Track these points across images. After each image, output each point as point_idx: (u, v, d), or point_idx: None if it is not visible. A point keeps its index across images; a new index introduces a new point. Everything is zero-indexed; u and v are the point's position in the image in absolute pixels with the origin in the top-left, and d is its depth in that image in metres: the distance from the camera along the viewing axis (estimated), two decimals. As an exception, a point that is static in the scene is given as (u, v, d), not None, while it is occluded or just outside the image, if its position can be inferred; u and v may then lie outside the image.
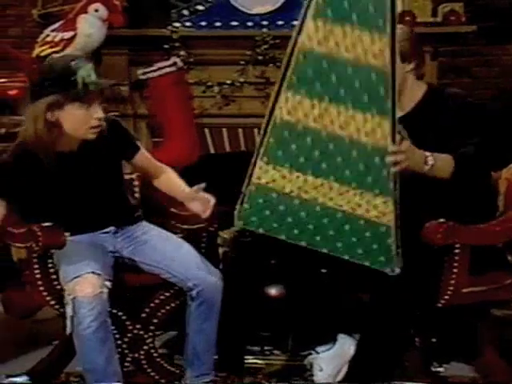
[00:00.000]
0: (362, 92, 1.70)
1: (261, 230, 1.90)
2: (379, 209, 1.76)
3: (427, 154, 1.86)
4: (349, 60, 1.69)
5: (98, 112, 1.90)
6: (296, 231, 1.85)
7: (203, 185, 2.06)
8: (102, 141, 1.98)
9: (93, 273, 1.88)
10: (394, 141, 1.73)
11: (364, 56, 1.67)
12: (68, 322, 1.87)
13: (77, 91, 1.85)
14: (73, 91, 1.85)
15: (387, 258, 1.82)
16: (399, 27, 2.00)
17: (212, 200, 2.07)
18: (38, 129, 1.87)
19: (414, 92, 2.03)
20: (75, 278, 1.87)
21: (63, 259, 1.96)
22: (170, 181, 2.20)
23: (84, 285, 1.85)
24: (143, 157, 2.16)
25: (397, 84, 1.72)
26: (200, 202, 2.07)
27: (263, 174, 1.84)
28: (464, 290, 1.98)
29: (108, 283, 1.91)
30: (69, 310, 1.86)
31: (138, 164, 2.17)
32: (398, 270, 1.82)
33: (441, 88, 2.11)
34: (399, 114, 2.02)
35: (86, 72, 1.86)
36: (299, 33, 1.74)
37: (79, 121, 1.89)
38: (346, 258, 1.84)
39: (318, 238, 1.84)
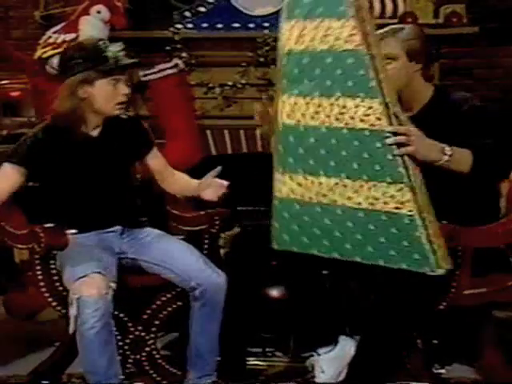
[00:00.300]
0: (346, 78, 1.71)
1: (295, 249, 1.85)
2: (396, 198, 1.69)
3: (443, 144, 1.81)
4: (325, 50, 1.73)
5: (124, 88, 2.01)
6: (326, 242, 1.79)
7: (219, 168, 2.11)
8: (121, 133, 2.08)
9: (99, 273, 1.89)
10: (390, 123, 1.70)
11: (337, 43, 1.71)
12: (71, 322, 1.87)
13: (108, 67, 1.96)
14: (104, 67, 1.96)
15: (422, 256, 1.69)
16: (408, 26, 2.02)
17: (225, 183, 2.12)
18: (74, 103, 1.97)
19: (421, 93, 2.02)
20: (81, 277, 1.87)
21: (68, 259, 1.97)
22: (183, 179, 2.24)
23: (90, 285, 1.85)
24: (157, 156, 2.20)
25: (379, 65, 1.69)
26: (213, 188, 2.12)
27: (282, 185, 1.83)
28: (466, 292, 1.98)
29: (113, 284, 1.92)
30: (73, 310, 1.86)
31: (152, 163, 2.19)
32: (441, 271, 1.68)
33: (448, 90, 2.09)
34: (408, 114, 2.03)
35: (115, 49, 1.99)
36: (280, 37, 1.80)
37: (108, 96, 1.99)
38: (382, 264, 1.74)
39: (348, 246, 1.77)
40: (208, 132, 3.19)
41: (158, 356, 2.19)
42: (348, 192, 1.74)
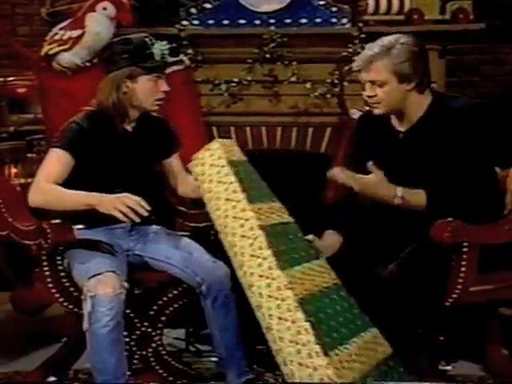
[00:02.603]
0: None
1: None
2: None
3: (395, 190, 1.93)
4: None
5: (164, 85, 2.06)
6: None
7: None
8: (153, 130, 2.14)
9: (113, 272, 1.90)
10: None
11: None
12: (85, 319, 1.87)
13: (153, 64, 2.01)
14: (149, 64, 2.01)
15: None
16: (401, 43, 1.95)
17: None
18: (116, 97, 2.03)
19: (417, 106, 2.00)
20: (96, 275, 1.88)
21: (81, 256, 1.97)
22: (194, 183, 2.20)
23: (106, 284, 1.86)
24: (178, 158, 2.23)
25: None
26: None
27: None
28: (472, 289, 1.98)
29: (126, 284, 1.92)
30: (86, 307, 1.86)
31: (173, 164, 2.22)
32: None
33: (446, 97, 2.06)
34: (405, 127, 2.03)
35: (162, 46, 2.03)
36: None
37: (149, 92, 2.04)
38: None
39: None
40: (214, 129, 3.18)
41: (164, 352, 2.19)
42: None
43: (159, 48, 2.02)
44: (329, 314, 1.74)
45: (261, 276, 1.75)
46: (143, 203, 1.89)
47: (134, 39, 2.06)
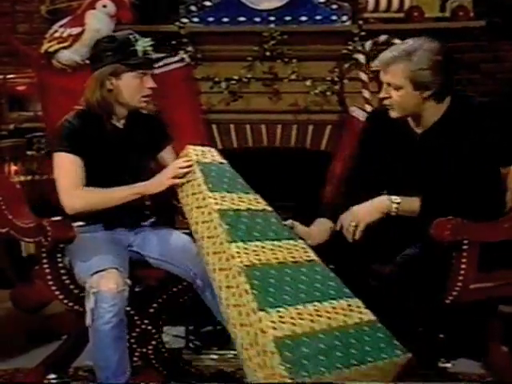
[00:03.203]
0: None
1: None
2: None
3: (388, 201, 1.94)
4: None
5: (149, 82, 2.06)
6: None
7: None
8: (143, 126, 2.14)
9: (116, 269, 1.89)
10: None
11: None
12: (88, 315, 1.87)
13: (136, 61, 2.01)
14: (133, 60, 2.01)
15: None
16: (423, 49, 1.91)
17: None
18: (101, 94, 2.03)
19: (434, 112, 1.98)
20: (99, 271, 1.88)
21: (82, 253, 1.97)
22: None
23: (109, 280, 1.86)
24: (172, 153, 2.21)
25: None
26: None
27: (277, 324, 1.68)
28: (472, 287, 1.98)
29: (128, 281, 1.92)
30: (89, 303, 1.86)
31: (165, 158, 2.20)
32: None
33: (466, 98, 2.03)
34: (421, 129, 2.02)
35: (145, 43, 2.03)
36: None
37: (134, 89, 2.04)
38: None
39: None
40: (214, 126, 3.18)
41: (164, 349, 2.19)
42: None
43: (142, 45, 2.02)
44: (283, 280, 1.76)
45: (214, 253, 1.81)
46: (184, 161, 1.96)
47: (118, 36, 2.07)
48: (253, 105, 3.12)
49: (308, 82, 3.04)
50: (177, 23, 3.04)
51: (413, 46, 1.94)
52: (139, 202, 2.11)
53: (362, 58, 2.96)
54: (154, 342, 2.17)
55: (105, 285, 1.85)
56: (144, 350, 2.17)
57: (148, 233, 2.13)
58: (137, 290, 2.06)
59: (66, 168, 2.01)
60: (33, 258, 2.09)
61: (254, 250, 1.79)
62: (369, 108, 2.96)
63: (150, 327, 2.16)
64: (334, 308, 1.76)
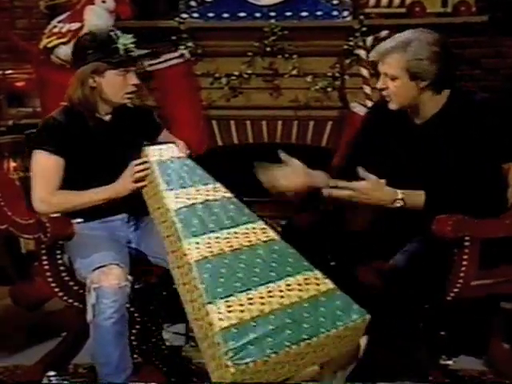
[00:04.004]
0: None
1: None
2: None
3: (395, 193, 1.93)
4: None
5: (133, 79, 2.05)
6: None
7: None
8: (130, 118, 2.13)
9: (117, 265, 1.89)
10: None
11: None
12: (89, 311, 1.87)
13: (118, 58, 2.00)
14: (114, 58, 2.00)
15: None
16: (415, 44, 1.91)
17: None
18: (84, 92, 2.03)
19: (432, 104, 1.98)
20: (100, 267, 1.88)
21: (82, 249, 1.97)
22: None
23: (110, 275, 1.86)
24: (170, 138, 2.21)
25: None
26: None
27: (224, 315, 1.70)
28: (473, 283, 1.97)
29: (130, 277, 1.92)
30: (91, 299, 1.86)
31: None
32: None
33: (467, 93, 2.02)
34: (420, 121, 2.01)
35: (126, 40, 2.01)
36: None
37: (117, 86, 2.04)
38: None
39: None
40: (214, 122, 3.18)
41: (164, 347, 2.19)
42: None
43: (123, 42, 2.01)
44: (236, 267, 1.78)
45: (172, 251, 1.85)
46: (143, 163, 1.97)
47: (99, 34, 2.06)
48: (253, 101, 3.12)
49: (309, 78, 3.03)
50: (177, 19, 3.03)
51: (409, 37, 1.94)
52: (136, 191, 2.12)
53: (363, 53, 2.95)
54: (153, 340, 2.17)
55: (106, 280, 1.85)
56: (144, 347, 2.16)
57: (147, 230, 2.13)
58: (136, 286, 2.05)
59: (43, 170, 2.02)
60: (32, 254, 2.08)
61: (207, 243, 1.81)
62: (370, 104, 2.95)
63: (149, 324, 2.16)
64: (288, 286, 1.78)
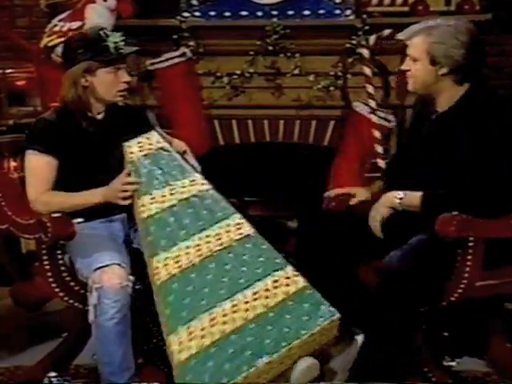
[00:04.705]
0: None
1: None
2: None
3: (394, 197, 1.97)
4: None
5: (125, 76, 2.07)
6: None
7: None
8: (123, 116, 2.14)
9: (119, 265, 1.89)
10: None
11: None
12: (91, 311, 1.87)
13: (108, 57, 2.00)
14: (104, 57, 2.00)
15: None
16: (441, 29, 1.92)
17: None
18: (77, 92, 2.04)
19: (451, 92, 1.98)
20: (102, 267, 1.87)
21: (83, 249, 1.96)
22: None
23: (112, 275, 1.86)
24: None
25: None
26: None
27: (185, 345, 1.73)
28: (478, 284, 1.96)
29: (132, 277, 1.92)
30: (92, 299, 1.86)
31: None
32: None
33: (487, 89, 2.02)
34: (436, 112, 2.03)
35: (116, 38, 2.02)
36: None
37: (109, 85, 2.05)
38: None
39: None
40: (215, 122, 3.16)
41: (165, 347, 2.17)
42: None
43: (113, 40, 2.02)
44: (203, 282, 1.78)
45: (148, 264, 1.87)
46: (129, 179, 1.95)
47: (89, 33, 2.08)
48: (255, 100, 3.10)
49: (311, 77, 3.01)
50: (178, 17, 3.01)
51: (438, 22, 1.97)
52: None
53: (365, 52, 2.93)
54: (155, 340, 2.15)
55: (108, 280, 1.84)
56: (145, 347, 2.15)
57: None
58: (137, 287, 2.04)
59: (34, 169, 2.03)
60: (32, 254, 2.07)
61: (176, 256, 1.81)
62: (372, 103, 2.93)
63: (151, 325, 2.14)
64: (255, 294, 1.77)
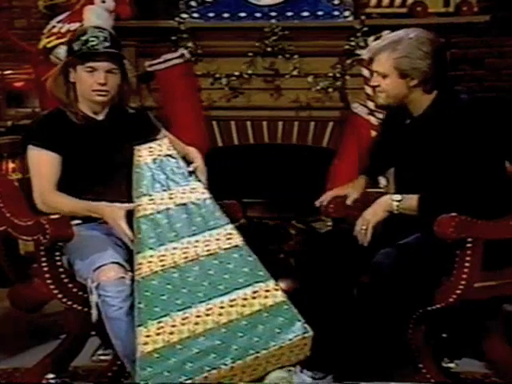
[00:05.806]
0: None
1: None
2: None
3: (391, 200, 1.96)
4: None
5: (100, 77, 2.03)
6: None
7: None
8: (126, 119, 2.14)
9: (117, 263, 1.89)
10: None
11: None
12: (93, 311, 1.86)
13: (80, 52, 2.01)
14: (80, 53, 2.01)
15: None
16: (404, 42, 1.94)
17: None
18: (57, 89, 2.07)
19: (421, 102, 2.00)
20: (100, 267, 1.87)
21: (82, 250, 1.96)
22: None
23: (108, 271, 1.86)
24: (172, 141, 2.18)
25: None
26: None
27: (152, 338, 1.73)
28: (476, 285, 1.96)
29: (130, 273, 1.90)
30: (93, 298, 1.85)
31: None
32: None
33: (452, 94, 2.03)
34: (408, 120, 2.04)
35: (92, 35, 2.01)
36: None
37: (84, 83, 2.04)
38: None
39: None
40: (214, 123, 3.16)
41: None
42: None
43: (88, 36, 2.01)
44: (183, 282, 1.79)
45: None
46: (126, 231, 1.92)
47: (78, 30, 2.11)
48: (254, 101, 3.10)
49: (310, 78, 3.01)
50: (177, 19, 3.01)
51: (400, 36, 1.98)
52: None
53: (364, 53, 2.93)
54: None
55: (103, 275, 1.85)
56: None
57: None
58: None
59: (37, 165, 2.03)
60: (31, 256, 2.07)
61: (162, 256, 1.82)
62: (371, 104, 2.93)
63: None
64: (232, 301, 1.78)
